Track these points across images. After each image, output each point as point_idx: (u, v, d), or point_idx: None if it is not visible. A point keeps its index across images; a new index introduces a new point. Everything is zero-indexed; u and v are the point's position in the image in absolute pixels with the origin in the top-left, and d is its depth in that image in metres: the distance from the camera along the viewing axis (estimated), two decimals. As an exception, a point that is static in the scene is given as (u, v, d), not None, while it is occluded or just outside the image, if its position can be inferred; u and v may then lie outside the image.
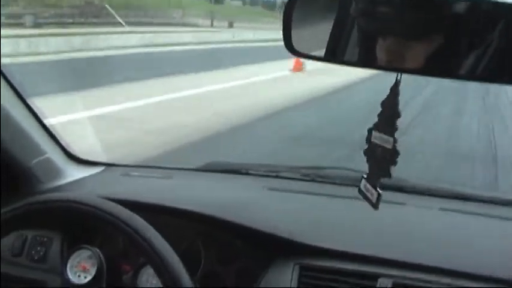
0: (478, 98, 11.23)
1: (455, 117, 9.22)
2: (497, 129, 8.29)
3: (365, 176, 0.98)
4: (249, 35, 27.61)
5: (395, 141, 0.92)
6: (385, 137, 0.93)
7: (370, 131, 0.97)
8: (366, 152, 0.98)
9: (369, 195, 0.98)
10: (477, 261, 1.31)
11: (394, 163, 0.92)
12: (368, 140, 0.96)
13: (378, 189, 0.96)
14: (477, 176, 5.38)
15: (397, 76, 0.89)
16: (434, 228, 1.48)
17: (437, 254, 1.34)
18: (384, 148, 0.93)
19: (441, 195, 1.68)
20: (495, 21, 0.79)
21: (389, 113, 0.92)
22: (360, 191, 1.00)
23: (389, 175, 0.94)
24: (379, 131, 0.94)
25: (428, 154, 6.10)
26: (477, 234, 1.48)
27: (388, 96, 0.92)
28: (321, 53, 0.93)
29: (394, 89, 0.91)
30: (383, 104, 0.93)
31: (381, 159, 0.94)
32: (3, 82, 1.50)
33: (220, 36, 25.95)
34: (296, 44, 0.92)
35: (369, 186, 0.98)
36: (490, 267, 1.28)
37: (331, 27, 0.92)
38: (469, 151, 6.57)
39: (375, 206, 0.97)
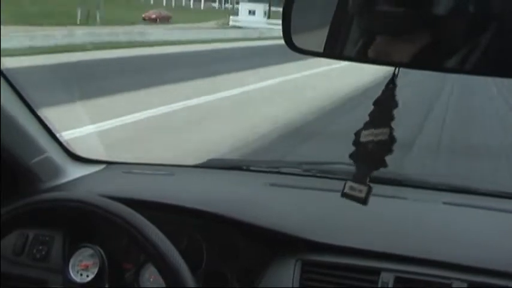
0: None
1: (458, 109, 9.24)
2: (502, 121, 8.29)
3: (349, 179, 0.97)
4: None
5: (392, 130, 0.91)
6: (378, 130, 0.92)
7: (357, 133, 0.95)
8: (353, 155, 0.96)
9: (355, 193, 0.96)
10: (480, 255, 1.31)
11: (391, 151, 0.91)
12: (355, 142, 0.95)
13: (368, 183, 0.95)
14: (481, 169, 5.37)
15: (395, 70, 0.89)
16: (437, 222, 1.48)
17: (439, 248, 1.33)
18: (376, 141, 0.92)
19: (444, 189, 1.68)
20: (492, 14, 0.79)
21: (384, 105, 0.92)
22: (343, 194, 0.98)
23: (384, 165, 0.92)
24: (371, 127, 0.93)
25: (429, 148, 6.09)
26: (480, 227, 1.48)
27: (384, 91, 0.91)
28: (321, 48, 0.93)
29: (390, 83, 0.91)
30: (377, 101, 0.92)
31: (374, 153, 0.93)
32: (3, 82, 1.49)
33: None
34: (296, 40, 0.92)
35: (354, 185, 0.96)
36: (493, 261, 1.28)
37: (330, 23, 0.92)
38: (472, 144, 6.56)
39: (365, 201, 0.95)
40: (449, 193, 1.66)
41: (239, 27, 33.85)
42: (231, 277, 1.46)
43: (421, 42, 0.82)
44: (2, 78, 1.50)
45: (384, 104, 0.92)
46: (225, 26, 36.33)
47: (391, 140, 0.91)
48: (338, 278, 1.30)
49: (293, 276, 1.32)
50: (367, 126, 0.93)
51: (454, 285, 1.23)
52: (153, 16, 34.33)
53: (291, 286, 1.31)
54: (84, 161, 1.81)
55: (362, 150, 0.94)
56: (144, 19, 33.15)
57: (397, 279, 1.26)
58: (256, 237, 1.45)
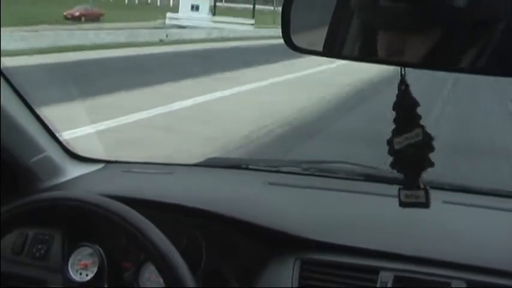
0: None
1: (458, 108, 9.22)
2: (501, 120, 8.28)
3: (401, 187, 0.95)
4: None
5: (423, 128, 0.90)
6: (410, 134, 0.90)
7: (390, 141, 0.92)
8: (394, 164, 0.94)
9: (414, 200, 0.94)
10: (480, 253, 1.31)
11: (432, 149, 0.90)
12: (391, 151, 0.93)
13: (423, 185, 0.93)
14: (480, 168, 5.37)
15: (401, 71, 0.88)
16: (436, 221, 1.48)
17: (439, 247, 1.33)
18: (413, 144, 0.91)
19: (444, 187, 1.68)
20: (497, 13, 0.78)
21: (406, 108, 0.91)
22: (402, 204, 0.95)
23: (431, 164, 0.91)
24: (401, 133, 0.91)
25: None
26: (480, 226, 1.48)
27: (399, 94, 0.90)
28: (321, 47, 0.92)
29: (402, 85, 0.90)
30: (395, 105, 0.90)
31: (415, 156, 0.91)
32: (2, 81, 1.49)
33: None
34: (295, 40, 0.91)
35: (408, 192, 0.94)
36: (492, 260, 1.28)
37: (330, 21, 0.91)
38: (472, 144, 6.56)
39: (427, 205, 0.93)
40: (449, 192, 1.66)
41: (182, 27, 27.11)
42: (230, 276, 1.46)
43: (426, 41, 0.81)
44: (1, 78, 1.50)
45: (405, 105, 0.90)
46: (162, 25, 28.56)
47: (428, 138, 0.90)
48: (337, 277, 1.30)
49: (292, 275, 1.33)
50: (397, 132, 0.92)
51: (453, 285, 1.23)
52: (77, 14, 28.89)
53: (290, 285, 1.31)
54: (84, 160, 1.81)
55: (403, 157, 0.92)
56: (66, 17, 27.80)
57: (397, 278, 1.26)
58: (256, 236, 1.45)
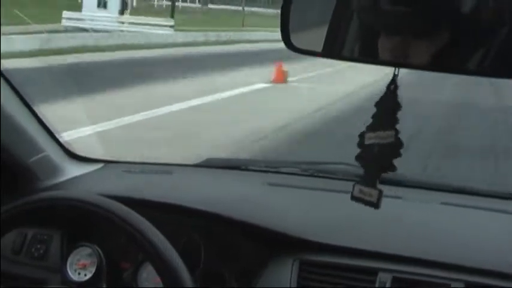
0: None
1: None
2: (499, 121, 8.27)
3: (357, 180, 0.96)
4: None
5: (397, 132, 0.91)
6: (384, 133, 0.91)
7: (362, 135, 0.94)
8: (359, 157, 0.95)
9: (366, 197, 0.95)
10: (478, 255, 1.31)
11: (398, 155, 0.91)
12: (360, 144, 0.94)
13: (378, 186, 0.94)
14: (478, 169, 5.37)
15: (395, 71, 0.89)
16: (434, 222, 1.48)
17: (437, 249, 1.34)
18: (382, 144, 0.92)
19: (442, 189, 1.68)
20: (500, 16, 0.78)
21: (387, 108, 0.91)
22: (353, 198, 0.96)
23: (393, 168, 0.92)
24: (375, 130, 0.92)
25: (427, 148, 6.10)
26: (478, 228, 1.48)
27: (386, 93, 0.91)
28: (320, 48, 0.92)
29: (392, 84, 0.91)
30: (379, 103, 0.91)
31: (380, 156, 0.93)
32: (2, 81, 1.49)
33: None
34: (294, 40, 0.91)
35: (364, 188, 0.95)
36: (490, 262, 1.28)
37: (329, 21, 0.91)
38: (470, 145, 6.56)
39: (376, 205, 0.94)
40: (447, 193, 1.66)
41: (84, 30, 19.42)
42: (229, 277, 1.46)
43: (427, 43, 0.81)
44: (1, 78, 1.49)
45: (387, 105, 0.91)
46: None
47: (398, 143, 0.90)
48: (336, 278, 1.30)
49: (291, 276, 1.33)
50: (371, 128, 0.92)
51: (452, 286, 1.24)
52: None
53: (288, 286, 1.31)
54: (83, 160, 1.81)
55: (369, 152, 0.93)
56: None
57: (395, 280, 1.27)
58: (255, 237, 1.45)
